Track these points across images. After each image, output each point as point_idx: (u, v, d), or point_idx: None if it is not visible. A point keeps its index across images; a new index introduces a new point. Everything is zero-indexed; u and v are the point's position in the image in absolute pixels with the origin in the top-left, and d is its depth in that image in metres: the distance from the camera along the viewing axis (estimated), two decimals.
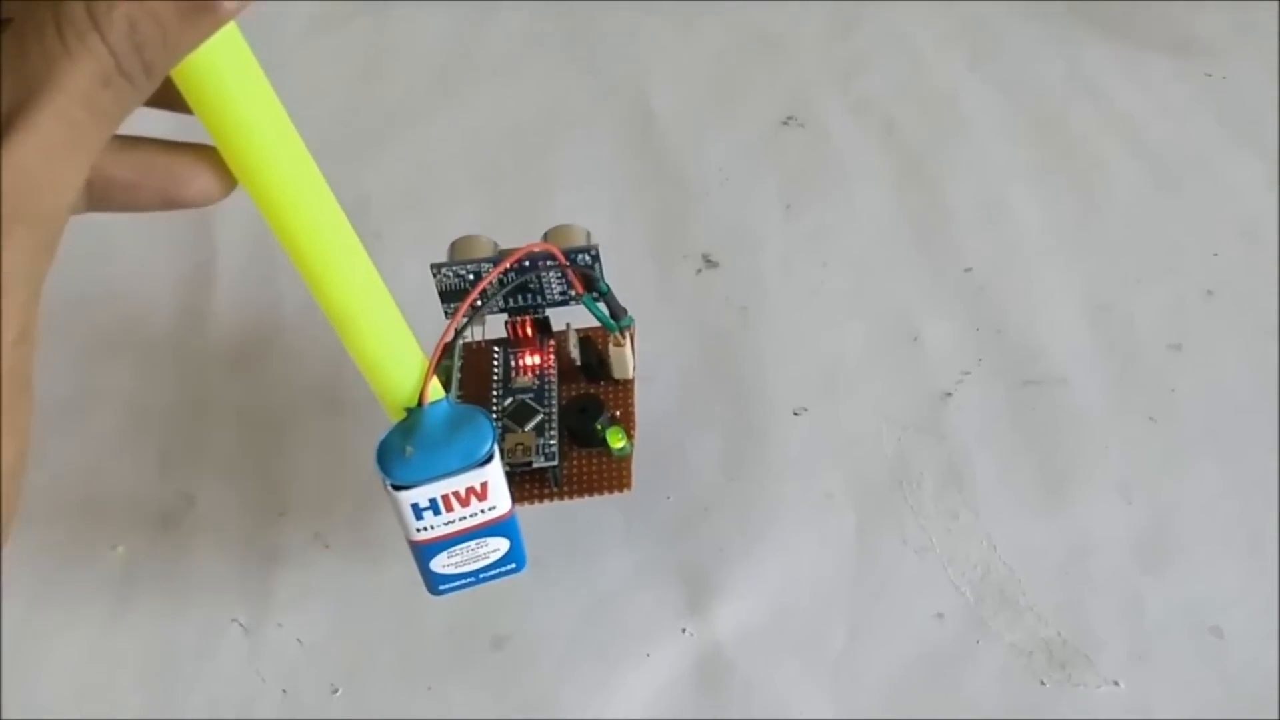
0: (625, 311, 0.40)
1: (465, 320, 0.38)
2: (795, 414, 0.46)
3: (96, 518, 0.46)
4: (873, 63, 0.59)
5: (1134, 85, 0.57)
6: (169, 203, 0.26)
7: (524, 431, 0.40)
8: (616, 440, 0.40)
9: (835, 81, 0.59)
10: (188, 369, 0.51)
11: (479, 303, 0.39)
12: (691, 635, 0.41)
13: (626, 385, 0.42)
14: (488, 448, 0.33)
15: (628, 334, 0.41)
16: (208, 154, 0.26)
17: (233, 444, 0.48)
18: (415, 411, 0.33)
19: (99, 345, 0.52)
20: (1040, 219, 0.52)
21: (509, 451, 0.39)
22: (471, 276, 0.40)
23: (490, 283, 0.39)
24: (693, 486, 0.45)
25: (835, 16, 0.61)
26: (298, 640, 0.42)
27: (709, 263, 0.52)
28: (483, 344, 0.43)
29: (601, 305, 0.40)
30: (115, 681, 0.42)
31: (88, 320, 0.52)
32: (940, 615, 0.40)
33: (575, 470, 0.41)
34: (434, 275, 0.40)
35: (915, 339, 0.48)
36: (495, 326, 0.43)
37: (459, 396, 0.39)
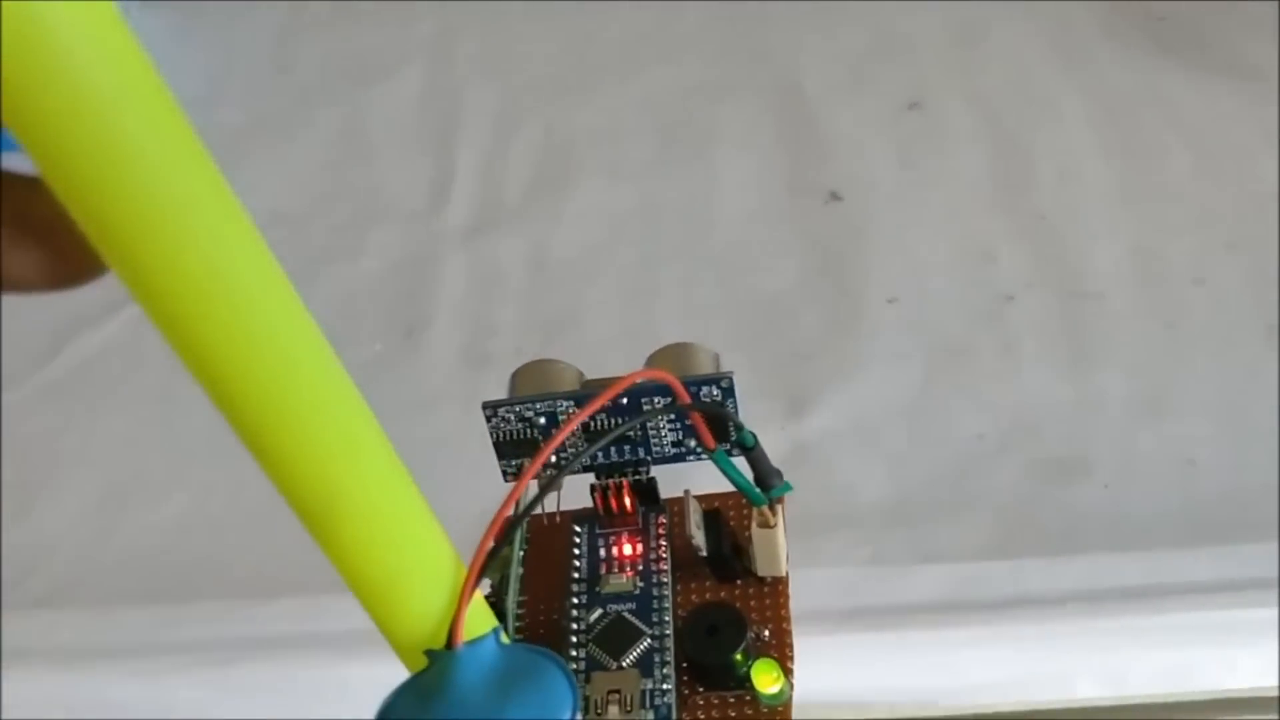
0: (779, 475, 0.27)
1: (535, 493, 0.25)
2: (888, 301, 0.60)
3: (361, 322, 0.62)
4: (988, 65, 0.73)
5: (1197, 97, 0.69)
6: None
7: (621, 669, 0.26)
8: (767, 679, 0.26)
9: (955, 77, 0.73)
10: (429, 241, 0.67)
11: (552, 456, 0.28)
12: (786, 432, 0.54)
13: (776, 586, 0.29)
14: None
15: (779, 507, 0.28)
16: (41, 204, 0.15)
17: (460, 289, 0.64)
18: (441, 658, 0.20)
19: (358, 219, 0.69)
20: (1105, 185, 0.65)
21: (597, 703, 0.26)
22: (543, 420, 0.28)
23: (572, 430, 0.27)
24: (799, 342, 0.58)
25: (964, 27, 0.76)
26: None
27: (835, 197, 0.66)
28: (557, 518, 0.30)
29: (742, 464, 0.27)
30: None
31: (350, 196, 0.69)
32: (980, 436, 0.53)
33: None
34: (488, 420, 0.28)
35: (992, 260, 0.62)
36: (575, 491, 0.29)
37: (519, 623, 0.27)
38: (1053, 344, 0.57)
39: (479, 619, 0.20)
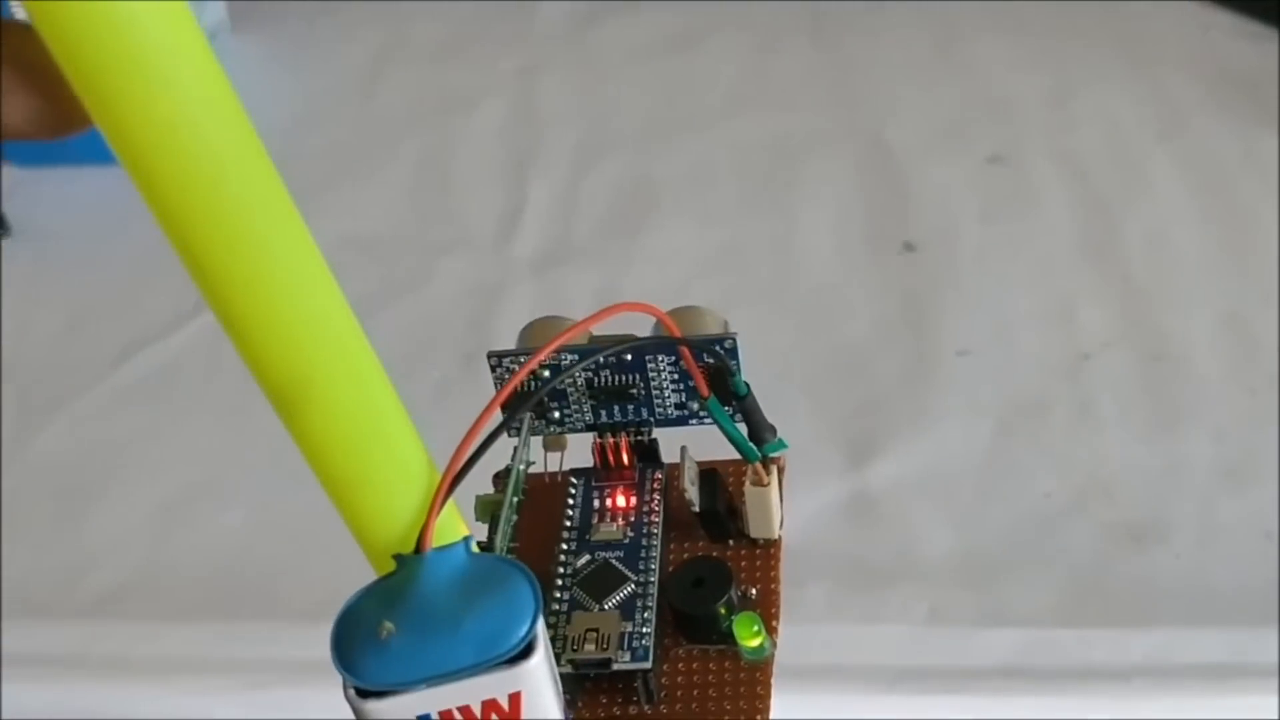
0: (774, 431, 0.27)
1: (506, 421, 0.26)
2: (959, 354, 0.58)
3: (425, 350, 0.62)
4: (1078, 127, 0.72)
5: None
6: None
7: (603, 610, 0.27)
8: (749, 634, 0.26)
9: (1043, 136, 0.71)
10: (496, 271, 0.67)
11: (555, 412, 0.28)
12: (850, 480, 0.53)
13: (768, 549, 0.29)
14: (524, 631, 0.20)
15: (774, 466, 0.27)
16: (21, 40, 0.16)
17: (524, 319, 0.63)
18: (408, 562, 0.20)
19: (431, 246, 0.69)
20: (1192, 249, 0.63)
21: (574, 641, 0.26)
22: (547, 372, 0.28)
23: (565, 370, 0.27)
24: (869, 390, 0.57)
25: (1057, 88, 0.74)
26: None
27: (909, 248, 0.65)
28: (559, 477, 0.30)
29: (739, 423, 0.27)
30: None
31: (424, 224, 0.70)
32: (1048, 495, 0.51)
33: (680, 678, 0.27)
34: (493, 370, 0.29)
35: (1071, 318, 0.60)
36: (580, 456, 0.30)
37: (511, 549, 0.28)
38: (1130, 405, 0.55)
39: (450, 528, 0.21)
